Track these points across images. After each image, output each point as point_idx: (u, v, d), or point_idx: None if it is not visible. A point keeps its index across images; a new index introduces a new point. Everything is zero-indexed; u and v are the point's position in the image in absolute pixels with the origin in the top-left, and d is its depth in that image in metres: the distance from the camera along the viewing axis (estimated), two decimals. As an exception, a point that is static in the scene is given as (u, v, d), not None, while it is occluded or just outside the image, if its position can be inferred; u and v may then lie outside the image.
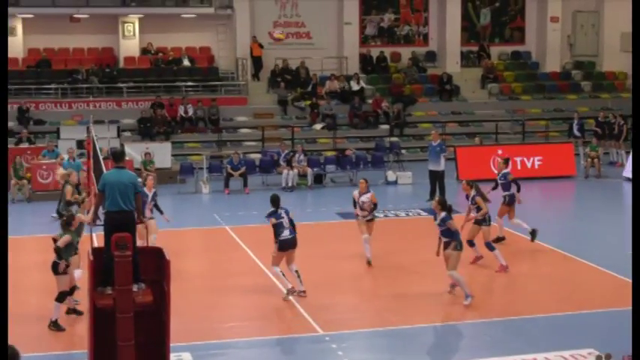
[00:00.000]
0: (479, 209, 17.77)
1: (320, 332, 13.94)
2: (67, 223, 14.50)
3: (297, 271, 15.89)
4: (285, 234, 15.78)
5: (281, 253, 15.79)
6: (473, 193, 17.80)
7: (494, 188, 19.82)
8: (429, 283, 16.76)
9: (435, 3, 38.38)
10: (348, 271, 17.69)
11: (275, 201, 16.11)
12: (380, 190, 22.83)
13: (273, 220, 15.79)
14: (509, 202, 19.53)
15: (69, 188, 19.21)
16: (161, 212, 18.37)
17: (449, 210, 15.44)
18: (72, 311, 14.68)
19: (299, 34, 37.38)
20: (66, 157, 25.20)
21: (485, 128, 34.83)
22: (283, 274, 15.74)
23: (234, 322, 14.74)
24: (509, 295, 16.41)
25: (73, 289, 14.57)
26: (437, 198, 16.92)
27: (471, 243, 17.85)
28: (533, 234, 19.37)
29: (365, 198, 18.02)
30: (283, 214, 15.92)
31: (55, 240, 14.60)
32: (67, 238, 14.29)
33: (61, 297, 14.13)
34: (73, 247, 14.60)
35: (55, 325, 14.16)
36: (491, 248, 17.76)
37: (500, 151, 28.91)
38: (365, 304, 15.71)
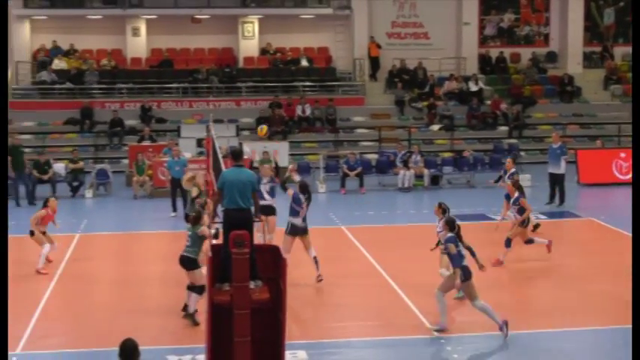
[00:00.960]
0: (521, 210, 17.86)
1: (435, 334, 13.80)
2: (197, 218, 14.71)
3: (315, 257, 16.51)
4: (297, 221, 16.37)
5: (291, 237, 16.41)
6: (517, 194, 18.05)
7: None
8: (554, 289, 16.42)
9: (557, 3, 37.65)
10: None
11: (304, 187, 16.61)
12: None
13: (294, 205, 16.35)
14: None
15: (194, 189, 19.46)
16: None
17: (456, 231, 13.86)
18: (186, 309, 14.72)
19: (417, 34, 37.22)
20: (169, 156, 25.46)
21: (608, 131, 34.00)
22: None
23: (349, 321, 14.73)
24: (626, 301, 15.91)
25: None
26: (439, 204, 15.60)
27: (508, 243, 17.77)
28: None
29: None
30: (304, 206, 16.37)
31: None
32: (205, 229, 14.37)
33: (200, 290, 14.23)
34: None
35: (190, 318, 14.32)
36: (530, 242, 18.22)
37: (623, 155, 28.17)
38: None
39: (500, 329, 13.64)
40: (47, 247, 17.68)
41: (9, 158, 25.95)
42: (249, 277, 10.62)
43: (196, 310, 14.16)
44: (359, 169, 27.70)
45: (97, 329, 14.20)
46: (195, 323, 14.10)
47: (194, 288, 14.33)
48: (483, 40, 37.90)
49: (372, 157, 30.48)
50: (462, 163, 28.74)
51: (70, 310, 15.33)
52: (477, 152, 30.34)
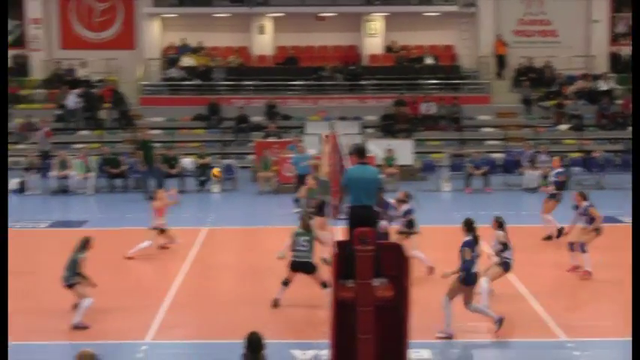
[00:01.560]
0: (592, 219, 17.25)
1: (563, 338, 13.51)
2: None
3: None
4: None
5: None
6: (586, 204, 17.50)
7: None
8: None
9: (694, -1, 36.32)
10: (595, 276, 17.04)
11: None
12: (629, 195, 21.81)
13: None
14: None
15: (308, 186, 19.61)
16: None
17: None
18: None
19: (544, 32, 36.53)
20: (294, 153, 25.71)
21: None
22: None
23: (475, 321, 14.55)
24: None
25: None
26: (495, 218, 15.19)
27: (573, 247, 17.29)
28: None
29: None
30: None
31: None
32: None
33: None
34: None
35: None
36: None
37: None
38: (611, 312, 15.06)
39: (496, 323, 13.63)
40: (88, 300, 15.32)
41: (139, 152, 26.70)
42: (373, 274, 10.61)
43: None
44: (484, 168, 27.37)
45: (223, 321, 14.43)
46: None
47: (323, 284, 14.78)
48: (614, 38, 36.90)
49: (498, 156, 30.07)
50: (591, 164, 28.07)
51: (197, 302, 15.61)
52: (607, 153, 29.56)
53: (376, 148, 28.16)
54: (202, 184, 27.82)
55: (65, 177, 27.70)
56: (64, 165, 27.74)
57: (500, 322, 13.70)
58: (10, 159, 30.68)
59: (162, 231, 18.98)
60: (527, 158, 27.76)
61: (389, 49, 36.59)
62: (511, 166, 28.19)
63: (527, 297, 15.82)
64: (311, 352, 12.78)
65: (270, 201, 26.17)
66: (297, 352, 12.78)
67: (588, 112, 33.59)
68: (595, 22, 36.20)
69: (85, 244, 14.69)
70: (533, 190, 26.87)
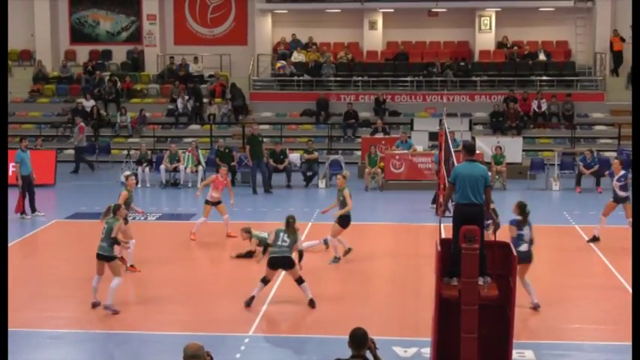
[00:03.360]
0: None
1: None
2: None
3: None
4: (523, 247, 14.40)
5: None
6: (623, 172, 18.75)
7: None
8: None
9: None
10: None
11: (522, 207, 14.68)
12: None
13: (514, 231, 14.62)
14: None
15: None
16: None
17: (524, 215, 14.43)
18: None
19: (664, 27, 35.40)
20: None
21: None
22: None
23: (581, 323, 14.25)
24: None
25: None
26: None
27: None
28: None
29: None
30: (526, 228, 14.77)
31: None
32: None
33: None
34: None
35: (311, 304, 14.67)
36: None
37: None
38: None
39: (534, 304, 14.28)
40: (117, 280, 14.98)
41: (247, 147, 26.98)
42: (479, 272, 10.49)
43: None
44: (595, 167, 26.73)
45: (322, 317, 14.46)
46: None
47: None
48: None
49: (611, 155, 29.32)
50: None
51: (297, 298, 15.66)
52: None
53: (485, 145, 27.85)
54: (309, 179, 27.95)
55: (175, 170, 28.22)
56: (174, 158, 28.25)
57: (535, 307, 14.42)
58: (123, 152, 31.50)
59: (217, 204, 19.90)
60: (641, 157, 26.95)
61: (501, 44, 36.09)
62: (624, 165, 27.36)
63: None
64: (413, 350, 12.71)
65: (376, 197, 26.13)
66: (398, 350, 12.72)
67: None
68: None
69: (115, 211, 14.90)
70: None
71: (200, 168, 28.00)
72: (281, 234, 14.94)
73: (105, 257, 14.52)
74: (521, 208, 14.46)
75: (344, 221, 17.75)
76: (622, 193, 19.29)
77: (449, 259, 10.80)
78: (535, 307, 14.46)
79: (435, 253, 10.97)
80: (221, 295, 15.83)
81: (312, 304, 14.76)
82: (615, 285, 16.22)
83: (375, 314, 14.48)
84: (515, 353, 11.56)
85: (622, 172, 19.66)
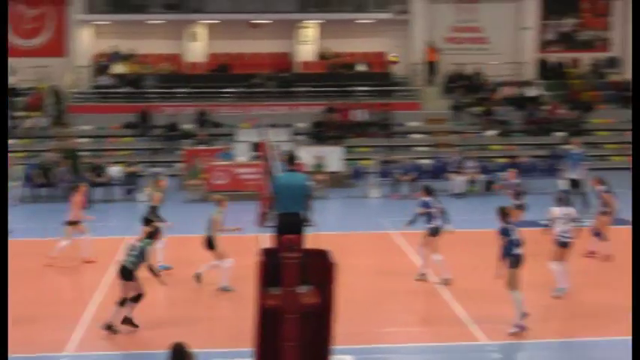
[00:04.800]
0: (605, 205, 18.75)
1: (483, 341, 13.70)
2: (153, 234, 14.92)
3: (438, 260, 17.01)
4: (434, 223, 17.02)
5: (431, 239, 17.00)
6: (602, 188, 18.92)
7: None
8: (599, 294, 16.24)
9: (620, 7, 37.13)
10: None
11: (427, 190, 17.51)
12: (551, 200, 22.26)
13: (422, 210, 17.12)
14: None
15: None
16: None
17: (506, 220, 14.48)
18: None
19: (475, 39, 37.03)
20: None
21: (668, 137, 33.34)
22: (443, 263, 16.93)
23: (397, 327, 14.70)
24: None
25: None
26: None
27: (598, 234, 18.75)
28: None
29: None
30: (431, 203, 17.13)
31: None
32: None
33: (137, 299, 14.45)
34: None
35: (110, 329, 14.34)
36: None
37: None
38: (533, 314, 15.32)
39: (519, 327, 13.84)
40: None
41: (67, 161, 26.38)
42: (299, 281, 10.65)
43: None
44: (412, 175, 27.60)
45: (147, 332, 14.31)
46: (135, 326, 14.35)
47: (134, 298, 14.38)
48: (543, 45, 37.54)
49: (426, 162, 30.37)
50: (518, 169, 28.38)
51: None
52: (533, 158, 30.03)
53: (306, 154, 28.23)
54: (129, 192, 27.58)
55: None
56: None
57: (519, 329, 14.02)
58: None
59: (75, 223, 18.91)
60: (455, 164, 28.08)
61: (322, 56, 36.72)
62: (439, 171, 28.49)
63: (446, 297, 16.03)
64: (236, 361, 12.78)
65: (199, 209, 26.03)
66: (221, 361, 12.76)
67: (516, 118, 34.09)
68: (524, 30, 36.79)
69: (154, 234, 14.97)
70: (460, 195, 27.19)
71: (16, 184, 27.12)
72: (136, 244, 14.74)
73: None
74: (503, 213, 14.43)
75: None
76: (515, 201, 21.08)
77: (270, 268, 10.92)
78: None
79: (256, 262, 11.07)
80: (39, 312, 15.41)
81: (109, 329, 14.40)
82: (428, 289, 16.81)
83: (198, 327, 14.45)
84: (335, 359, 11.80)
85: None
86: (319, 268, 11.06)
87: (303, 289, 10.80)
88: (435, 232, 17.11)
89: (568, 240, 15.90)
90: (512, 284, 13.96)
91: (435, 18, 36.71)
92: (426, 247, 17.19)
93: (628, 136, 33.36)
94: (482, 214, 23.15)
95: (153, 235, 14.95)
